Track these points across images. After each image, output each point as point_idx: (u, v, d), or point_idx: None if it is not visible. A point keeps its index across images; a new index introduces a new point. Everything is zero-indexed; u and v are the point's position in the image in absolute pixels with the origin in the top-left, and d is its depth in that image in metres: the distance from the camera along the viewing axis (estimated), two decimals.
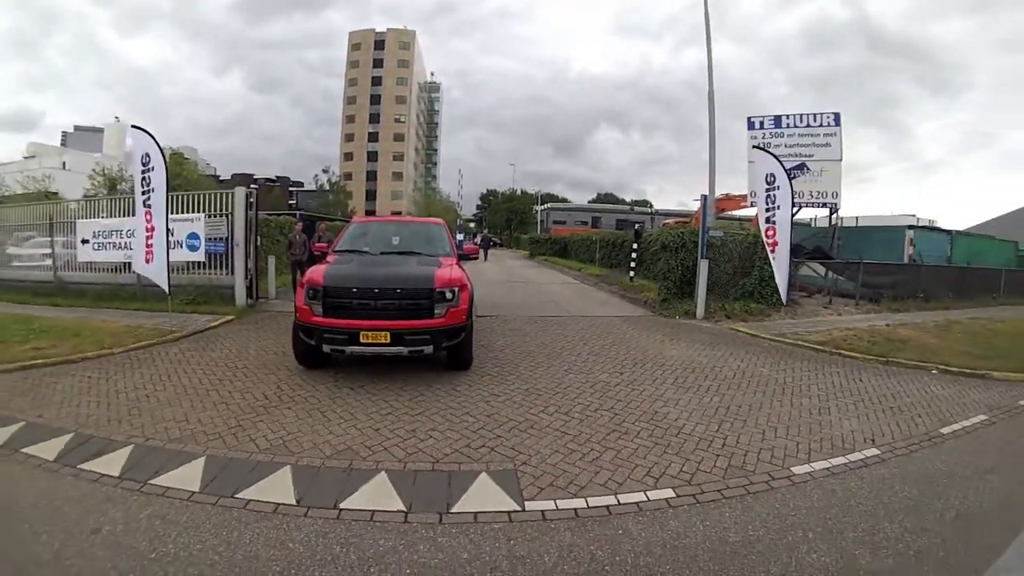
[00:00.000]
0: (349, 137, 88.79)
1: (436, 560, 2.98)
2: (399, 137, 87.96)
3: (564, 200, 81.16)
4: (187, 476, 3.99)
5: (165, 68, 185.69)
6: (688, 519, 3.47)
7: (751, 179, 11.82)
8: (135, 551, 3.05)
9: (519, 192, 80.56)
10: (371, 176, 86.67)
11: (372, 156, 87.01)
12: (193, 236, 11.07)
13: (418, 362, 6.66)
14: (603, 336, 9.49)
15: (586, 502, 3.66)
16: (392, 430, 4.85)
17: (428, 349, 6.14)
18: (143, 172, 9.28)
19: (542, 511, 3.53)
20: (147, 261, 9.34)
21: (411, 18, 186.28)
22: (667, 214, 48.65)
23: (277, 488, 3.79)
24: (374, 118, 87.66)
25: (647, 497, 3.75)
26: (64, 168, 51.45)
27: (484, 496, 3.71)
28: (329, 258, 7.46)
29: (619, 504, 3.65)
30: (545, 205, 70.74)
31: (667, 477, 4.05)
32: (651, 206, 70.25)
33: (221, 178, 61.96)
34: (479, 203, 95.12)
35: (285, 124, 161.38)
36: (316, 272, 6.59)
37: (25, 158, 61.39)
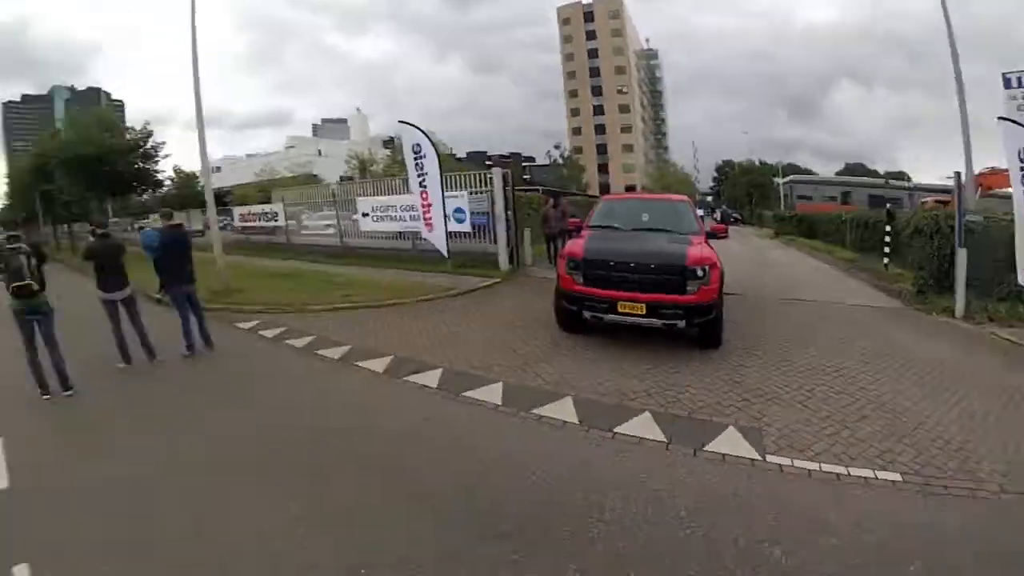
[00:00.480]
0: (575, 112, 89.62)
1: (690, 479, 3.84)
2: (624, 108, 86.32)
3: (808, 172, 73.05)
4: (490, 393, 5.39)
5: (392, 61, 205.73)
6: (911, 501, 3.71)
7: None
8: (452, 436, 4.58)
9: (757, 163, 74.00)
10: (601, 149, 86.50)
11: (600, 129, 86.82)
12: (459, 210, 12.89)
13: (669, 334, 7.01)
14: (851, 324, 9.13)
15: (819, 466, 4.11)
16: (654, 382, 5.71)
17: (681, 324, 6.48)
18: (416, 159, 11.21)
19: (779, 464, 4.11)
20: (428, 230, 11.28)
21: None
22: (928, 190, 42.14)
23: (563, 411, 4.96)
24: (596, 91, 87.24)
25: (875, 475, 4.02)
26: (320, 155, 60.43)
27: (731, 444, 4.39)
28: (584, 232, 8.10)
29: (848, 475, 4.02)
30: (788, 178, 63.57)
31: (897, 463, 4.22)
32: (908, 179, 61.01)
33: (458, 157, 66.49)
34: (715, 175, 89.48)
35: (510, 102, 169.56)
36: (576, 245, 7.32)
37: (287, 148, 73.82)
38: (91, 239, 7.61)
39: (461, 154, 78.90)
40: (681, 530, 3.24)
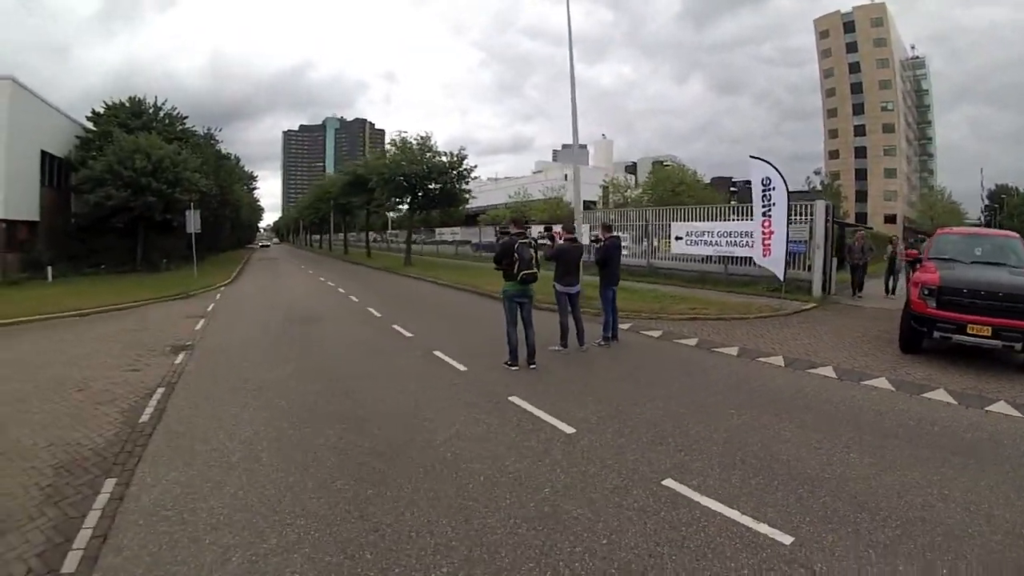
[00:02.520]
0: (833, 133, 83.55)
1: None
2: (888, 128, 78.09)
3: None
4: (880, 383, 7.38)
5: (628, 86, 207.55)
6: None
7: None
8: (874, 405, 6.49)
9: None
10: (860, 174, 79.74)
11: (860, 152, 79.95)
12: None
13: (991, 358, 8.41)
14: None
15: None
16: (998, 385, 7.25)
17: (1018, 346, 7.66)
18: (764, 191, 12.89)
19: None
20: (764, 255, 13.09)
21: None
22: None
23: (942, 396, 6.78)
24: (857, 109, 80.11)
25: None
26: (566, 179, 64.12)
27: None
28: (926, 264, 9.54)
29: None
30: None
31: None
32: None
33: (702, 183, 66.19)
34: (986, 203, 77.91)
35: (751, 123, 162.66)
36: (929, 275, 8.70)
37: (534, 173, 79.28)
38: (560, 242, 9.43)
39: (704, 178, 78.32)
40: None
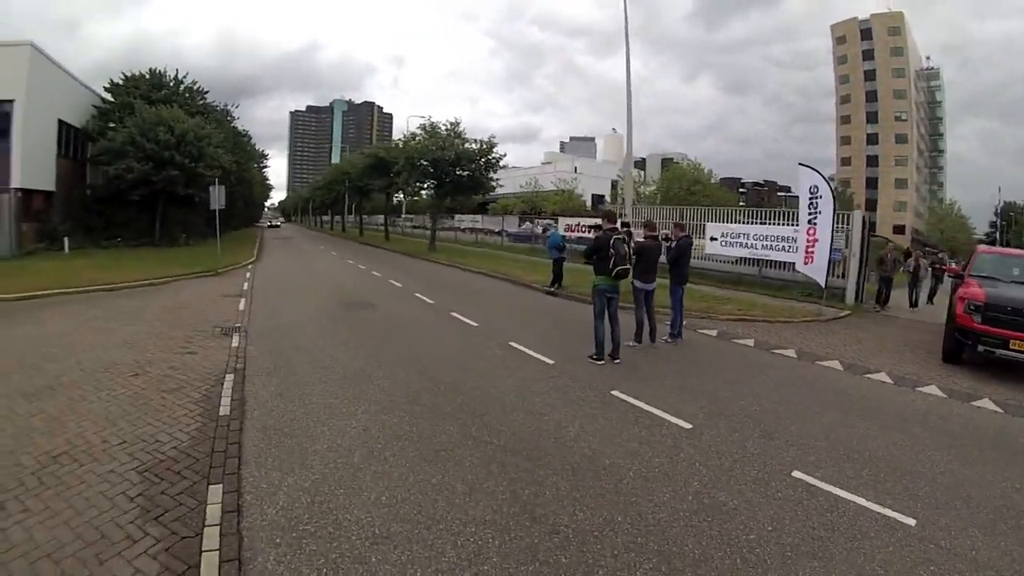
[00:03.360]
0: (845, 140, 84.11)
1: None
2: (901, 138, 78.73)
3: None
4: (931, 389, 8.05)
5: (638, 81, 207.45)
6: None
7: None
8: (930, 410, 7.16)
9: None
10: (871, 183, 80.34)
11: (872, 160, 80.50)
12: None
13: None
14: None
15: None
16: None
17: None
18: (811, 199, 13.33)
19: None
20: (806, 262, 13.64)
21: None
22: None
23: (989, 405, 7.53)
24: (871, 117, 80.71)
25: None
26: (576, 171, 64.84)
27: None
28: (968, 280, 10.03)
29: None
30: None
31: None
32: None
33: (716, 182, 66.72)
34: (993, 219, 78.31)
35: (760, 125, 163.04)
36: (975, 292, 9.27)
37: (543, 164, 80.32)
38: (641, 240, 9.65)
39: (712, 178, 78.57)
40: None
